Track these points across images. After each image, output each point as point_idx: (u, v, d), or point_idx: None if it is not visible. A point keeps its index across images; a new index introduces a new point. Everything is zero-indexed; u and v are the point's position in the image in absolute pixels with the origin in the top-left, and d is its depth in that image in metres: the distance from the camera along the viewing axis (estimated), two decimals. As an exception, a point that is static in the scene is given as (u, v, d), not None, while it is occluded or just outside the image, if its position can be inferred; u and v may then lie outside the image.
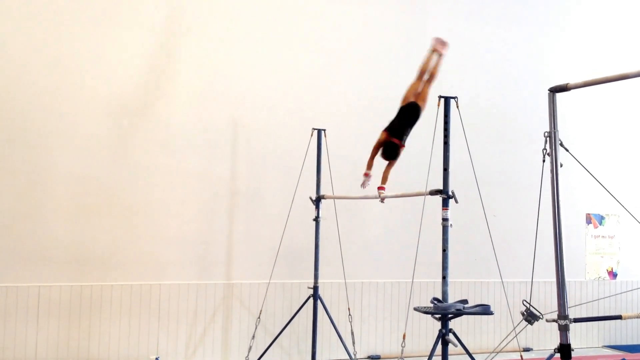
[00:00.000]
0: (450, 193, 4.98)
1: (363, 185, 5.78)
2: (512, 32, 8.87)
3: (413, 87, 5.71)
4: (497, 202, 8.09)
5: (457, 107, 5.13)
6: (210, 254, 7.38)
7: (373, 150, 5.62)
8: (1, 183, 6.68)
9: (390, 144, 5.45)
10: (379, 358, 7.82)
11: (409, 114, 5.55)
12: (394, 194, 5.81)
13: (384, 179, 5.65)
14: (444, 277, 5.01)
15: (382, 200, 5.74)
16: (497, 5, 8.87)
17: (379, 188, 5.66)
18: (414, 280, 5.47)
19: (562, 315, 3.64)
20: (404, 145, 5.48)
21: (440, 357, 4.99)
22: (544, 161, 3.79)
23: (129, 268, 7.04)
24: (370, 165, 5.66)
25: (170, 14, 7.37)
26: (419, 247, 5.36)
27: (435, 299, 5.06)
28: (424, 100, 5.63)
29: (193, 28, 7.42)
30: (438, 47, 5.78)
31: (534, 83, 8.47)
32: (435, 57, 5.77)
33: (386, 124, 5.59)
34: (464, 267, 8.02)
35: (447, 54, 5.80)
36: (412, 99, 5.61)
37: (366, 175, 5.70)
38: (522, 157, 8.42)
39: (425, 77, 5.74)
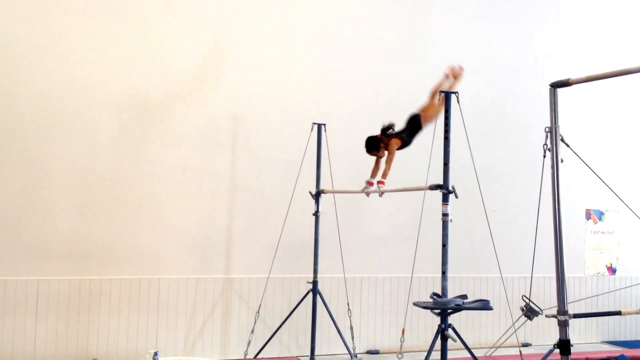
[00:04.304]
0: (450, 188, 4.98)
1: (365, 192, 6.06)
2: (513, 27, 8.84)
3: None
4: (497, 198, 8.08)
5: (458, 102, 5.13)
6: (210, 248, 7.37)
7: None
8: (0, 176, 6.66)
9: (370, 137, 5.82)
10: (378, 353, 7.83)
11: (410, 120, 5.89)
12: (393, 188, 5.82)
13: (384, 174, 5.69)
14: (444, 272, 5.01)
15: (381, 194, 5.78)
16: (498, 1, 8.84)
17: (379, 182, 5.71)
18: (413, 275, 5.46)
19: (562, 310, 3.64)
20: (383, 136, 5.77)
21: (439, 352, 4.99)
22: (544, 156, 3.78)
23: (128, 262, 7.02)
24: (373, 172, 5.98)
25: (171, 9, 7.34)
26: (419, 242, 5.35)
27: (434, 294, 5.06)
28: (425, 112, 5.86)
29: (193, 22, 7.39)
30: (449, 73, 6.01)
31: (535, 78, 8.42)
32: (447, 82, 5.97)
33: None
34: (464, 263, 8.01)
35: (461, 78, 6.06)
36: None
37: (369, 183, 5.98)
38: (523, 153, 8.40)
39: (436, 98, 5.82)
